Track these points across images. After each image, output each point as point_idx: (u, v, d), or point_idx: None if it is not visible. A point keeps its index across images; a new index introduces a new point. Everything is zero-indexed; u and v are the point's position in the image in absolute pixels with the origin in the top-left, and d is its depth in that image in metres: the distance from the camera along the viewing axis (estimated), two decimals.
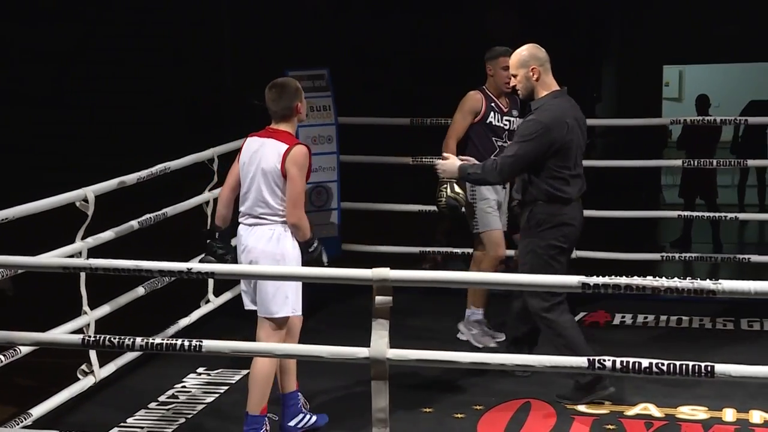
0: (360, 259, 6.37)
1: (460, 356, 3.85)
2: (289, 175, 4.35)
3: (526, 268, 4.80)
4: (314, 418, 4.64)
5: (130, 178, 5.24)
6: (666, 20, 10.81)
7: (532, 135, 4.72)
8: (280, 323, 4.39)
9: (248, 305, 4.52)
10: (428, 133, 7.30)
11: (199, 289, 6.05)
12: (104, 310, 5.08)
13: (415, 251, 7.00)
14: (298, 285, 4.41)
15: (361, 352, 3.74)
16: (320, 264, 4.44)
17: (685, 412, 4.67)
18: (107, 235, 5.07)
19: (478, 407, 4.78)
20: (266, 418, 4.43)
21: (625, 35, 11.40)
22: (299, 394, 4.61)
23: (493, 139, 5.63)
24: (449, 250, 6.96)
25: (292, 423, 4.56)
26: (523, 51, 4.86)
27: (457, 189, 5.25)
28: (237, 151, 4.64)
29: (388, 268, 3.74)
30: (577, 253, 6.64)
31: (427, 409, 4.79)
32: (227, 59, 9.92)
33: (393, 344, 3.73)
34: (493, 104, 5.71)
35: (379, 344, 3.69)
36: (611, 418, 4.63)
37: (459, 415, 4.71)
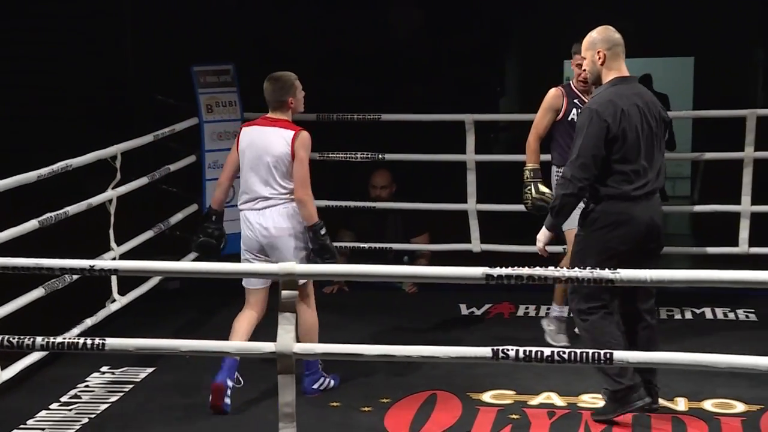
0: None
1: (366, 349, 3.88)
2: (297, 157, 4.75)
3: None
4: (332, 381, 4.99)
5: (30, 175, 5.12)
6: (566, 15, 11.00)
7: (585, 124, 4.32)
8: (306, 287, 4.76)
9: (255, 284, 4.87)
10: (335, 128, 7.31)
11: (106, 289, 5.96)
12: (5, 310, 4.96)
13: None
14: (307, 253, 4.79)
15: (266, 346, 3.74)
16: (329, 250, 4.76)
17: (587, 400, 4.77)
18: (6, 234, 4.95)
19: (385, 400, 4.82)
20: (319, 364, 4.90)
21: (526, 29, 11.57)
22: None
23: None
24: (357, 245, 6.99)
25: (315, 386, 4.91)
26: (593, 32, 4.46)
27: (542, 188, 5.22)
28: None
29: (293, 263, 3.75)
30: (481, 247, 6.78)
31: (334, 404, 4.81)
32: (129, 53, 9.76)
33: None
34: (576, 100, 5.46)
35: (285, 339, 3.69)
36: (515, 407, 4.71)
37: (366, 409, 4.73)
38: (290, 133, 4.78)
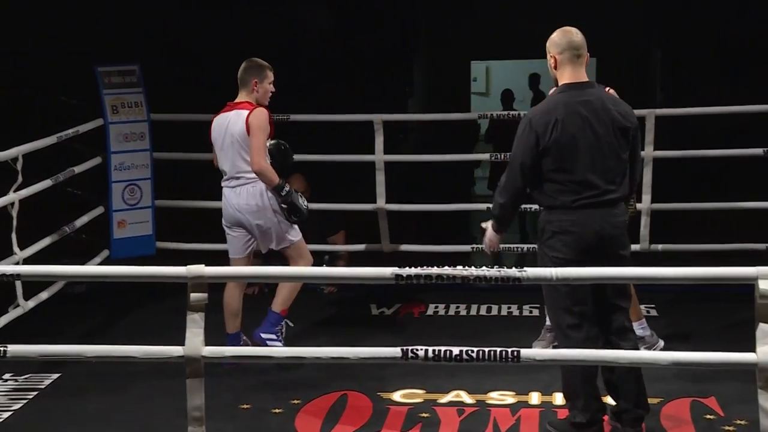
0: (177, 256, 6.29)
1: (276, 351, 3.87)
2: (251, 130, 5.12)
3: None
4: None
5: None
6: (472, 17, 11.14)
7: (518, 132, 4.22)
8: (296, 248, 5.32)
9: (236, 254, 5.37)
10: None
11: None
12: None
13: None
14: (281, 224, 5.24)
15: (175, 350, 3.70)
16: (298, 209, 5.24)
17: (495, 397, 4.84)
18: None
19: (295, 401, 4.82)
20: (285, 321, 5.35)
21: (434, 31, 11.66)
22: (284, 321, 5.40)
23: None
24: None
25: (262, 334, 5.30)
26: (551, 36, 4.26)
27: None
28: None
29: (203, 265, 3.72)
30: (391, 246, 6.82)
31: (245, 406, 4.79)
32: (31, 53, 9.54)
33: (212, 342, 3.72)
34: None
35: (194, 342, 3.66)
36: (425, 406, 4.75)
37: (277, 411, 4.72)
38: (245, 113, 5.15)
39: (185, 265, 3.70)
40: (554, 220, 4.17)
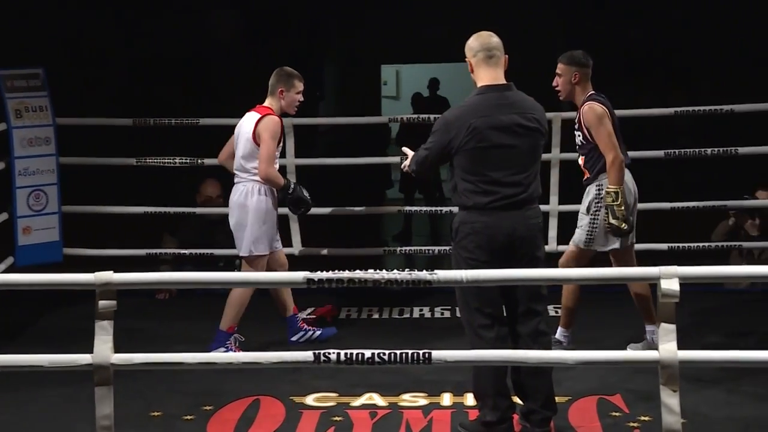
0: (85, 263, 6.18)
1: (187, 357, 3.84)
2: (261, 139, 5.34)
3: None
4: (317, 332, 5.72)
5: None
6: (382, 21, 11.19)
7: (434, 130, 4.29)
8: (249, 261, 5.49)
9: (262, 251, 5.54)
10: (152, 133, 7.20)
11: None
12: None
13: (142, 253, 6.87)
14: (253, 231, 5.43)
15: (83, 358, 3.65)
16: (303, 201, 5.58)
17: (407, 399, 4.87)
18: None
19: (207, 408, 4.78)
20: (233, 336, 5.46)
21: (344, 35, 11.69)
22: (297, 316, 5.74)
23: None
24: (180, 251, 6.91)
25: (294, 338, 5.68)
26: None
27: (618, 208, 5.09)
28: None
29: (112, 272, 3.68)
30: (301, 250, 6.81)
31: (156, 413, 4.73)
32: None
33: (123, 349, 3.68)
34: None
35: (103, 349, 3.62)
36: (338, 409, 4.76)
37: (188, 417, 4.68)
38: (257, 117, 5.38)
39: (93, 271, 3.65)
40: (468, 221, 4.21)
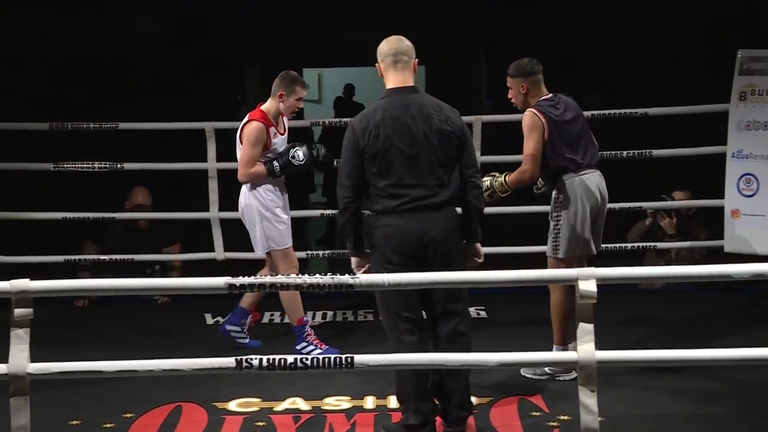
0: (1, 270, 6.07)
1: (107, 365, 3.79)
2: (242, 142, 5.45)
3: None
4: (317, 350, 5.53)
5: None
6: (303, 25, 11.19)
7: (343, 141, 4.28)
8: (274, 257, 5.53)
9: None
10: (70, 137, 7.09)
11: None
12: None
13: (61, 260, 6.76)
14: (264, 228, 5.49)
15: None
16: (294, 166, 5.50)
17: (331, 403, 4.87)
18: None
19: (128, 415, 4.73)
20: (306, 325, 5.60)
21: (265, 38, 11.65)
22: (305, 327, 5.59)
23: None
24: (100, 257, 6.83)
25: (298, 347, 5.54)
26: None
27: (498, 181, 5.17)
28: None
29: (28, 279, 3.62)
30: (226, 255, 6.77)
31: (74, 422, 4.66)
32: None
33: (40, 358, 3.62)
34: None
35: (19, 359, 3.55)
36: (261, 415, 4.74)
37: (108, 425, 4.62)
38: (246, 121, 5.46)
39: (9, 279, 3.59)
40: (380, 226, 4.23)
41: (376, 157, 4.18)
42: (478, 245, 4.40)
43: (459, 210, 4.37)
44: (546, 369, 5.01)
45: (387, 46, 4.32)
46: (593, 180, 5.08)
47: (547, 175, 5.10)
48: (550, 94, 5.11)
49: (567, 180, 5.03)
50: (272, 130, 5.50)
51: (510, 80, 5.14)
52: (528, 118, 5.03)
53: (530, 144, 5.01)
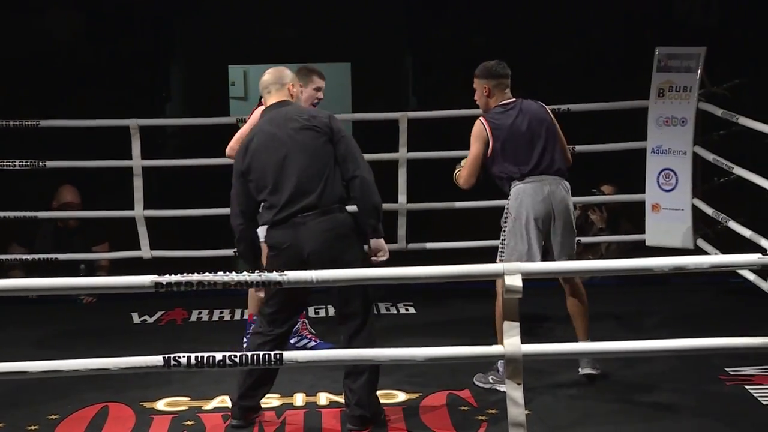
0: None
1: (30, 366, 3.74)
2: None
3: None
4: (311, 343, 5.49)
5: None
6: (229, 21, 11.12)
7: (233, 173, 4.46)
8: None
9: None
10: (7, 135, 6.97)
11: None
12: None
13: None
14: None
15: None
16: None
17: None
18: None
19: (53, 416, 4.66)
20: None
21: (190, 35, 11.55)
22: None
23: None
24: (24, 257, 6.72)
25: (293, 341, 5.38)
26: None
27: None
28: None
29: None
30: (152, 253, 6.72)
31: None
32: None
33: None
34: None
35: None
36: (190, 414, 4.71)
37: (33, 427, 4.55)
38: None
39: None
40: (268, 239, 4.36)
41: (252, 172, 4.33)
42: (379, 241, 4.37)
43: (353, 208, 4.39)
44: (490, 378, 4.91)
45: (269, 77, 4.55)
46: (543, 188, 4.90)
47: (498, 183, 5.04)
48: (511, 100, 4.99)
49: (513, 188, 4.92)
50: None
51: (475, 81, 5.01)
52: (475, 126, 4.95)
53: (471, 151, 4.96)
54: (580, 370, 5.00)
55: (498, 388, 4.80)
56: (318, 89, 5.39)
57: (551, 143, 4.97)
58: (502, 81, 4.98)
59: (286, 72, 4.59)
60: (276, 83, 4.53)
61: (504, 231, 4.96)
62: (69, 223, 6.96)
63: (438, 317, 6.32)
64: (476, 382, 4.95)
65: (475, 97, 5.07)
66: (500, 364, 4.74)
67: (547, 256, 4.96)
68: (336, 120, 4.42)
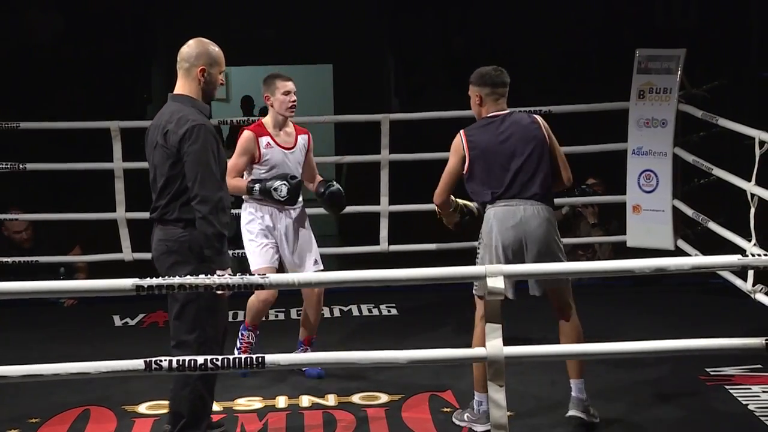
0: None
1: (11, 370, 3.72)
2: None
3: None
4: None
5: None
6: (210, 23, 11.10)
7: None
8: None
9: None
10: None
11: None
12: None
13: None
14: (250, 250, 5.14)
15: None
16: (273, 197, 5.04)
17: (242, 403, 4.86)
18: None
19: (33, 420, 4.65)
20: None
21: (172, 36, 11.52)
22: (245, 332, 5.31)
23: None
24: (10, 259, 6.70)
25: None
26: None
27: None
28: None
29: None
30: (134, 255, 6.69)
31: None
32: None
33: None
34: None
35: None
36: None
37: (13, 431, 4.54)
38: None
39: None
40: None
41: None
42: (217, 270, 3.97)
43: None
44: (465, 416, 4.59)
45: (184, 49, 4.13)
46: (516, 213, 4.46)
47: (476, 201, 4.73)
48: (500, 112, 4.57)
49: (486, 211, 4.54)
50: (265, 140, 5.11)
51: (470, 88, 4.63)
52: (454, 139, 4.60)
53: (447, 165, 4.63)
54: (568, 412, 4.54)
55: (474, 428, 4.54)
56: (287, 93, 5.12)
57: (533, 164, 4.49)
58: (496, 90, 4.56)
59: (189, 49, 4.10)
60: (183, 60, 4.12)
61: (477, 257, 4.60)
62: (23, 245, 6.91)
63: (420, 319, 6.33)
64: (454, 419, 4.63)
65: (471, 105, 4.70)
66: (476, 403, 4.56)
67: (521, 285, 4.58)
68: (192, 138, 3.97)
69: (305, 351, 5.25)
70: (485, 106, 4.57)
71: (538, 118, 4.64)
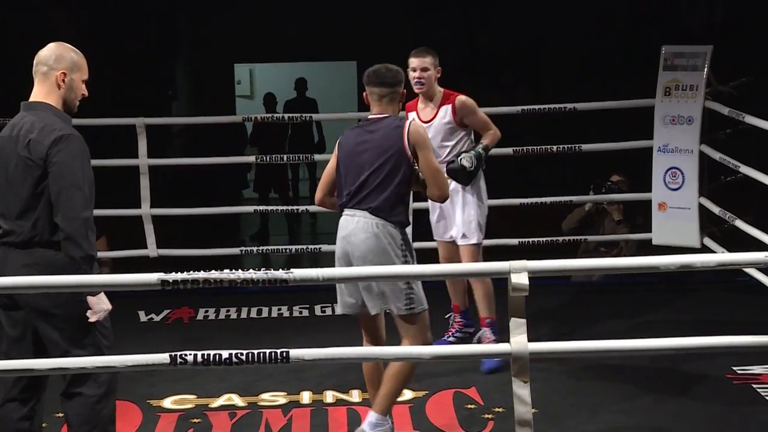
0: None
1: (38, 363, 3.75)
2: None
3: None
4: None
5: None
6: (234, 20, 11.14)
7: None
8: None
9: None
10: None
11: None
12: None
13: None
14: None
15: None
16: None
17: (266, 398, 4.87)
18: None
19: (60, 415, 4.65)
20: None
21: (196, 34, 11.57)
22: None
23: None
24: None
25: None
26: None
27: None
28: None
29: None
30: (158, 252, 6.72)
31: None
32: None
33: None
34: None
35: None
36: (197, 411, 4.73)
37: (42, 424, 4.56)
38: None
39: None
40: None
41: None
42: (90, 298, 3.78)
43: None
44: None
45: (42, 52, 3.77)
46: (348, 224, 4.21)
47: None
48: (377, 116, 4.27)
49: None
50: (411, 115, 5.15)
51: None
52: None
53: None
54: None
55: None
56: (413, 69, 5.16)
57: (379, 176, 4.15)
58: (374, 90, 4.25)
59: (49, 52, 3.74)
60: (41, 64, 3.73)
61: None
62: None
63: (440, 315, 6.31)
64: None
65: None
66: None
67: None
68: (60, 150, 3.60)
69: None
70: (371, 106, 4.29)
71: (414, 126, 4.26)
